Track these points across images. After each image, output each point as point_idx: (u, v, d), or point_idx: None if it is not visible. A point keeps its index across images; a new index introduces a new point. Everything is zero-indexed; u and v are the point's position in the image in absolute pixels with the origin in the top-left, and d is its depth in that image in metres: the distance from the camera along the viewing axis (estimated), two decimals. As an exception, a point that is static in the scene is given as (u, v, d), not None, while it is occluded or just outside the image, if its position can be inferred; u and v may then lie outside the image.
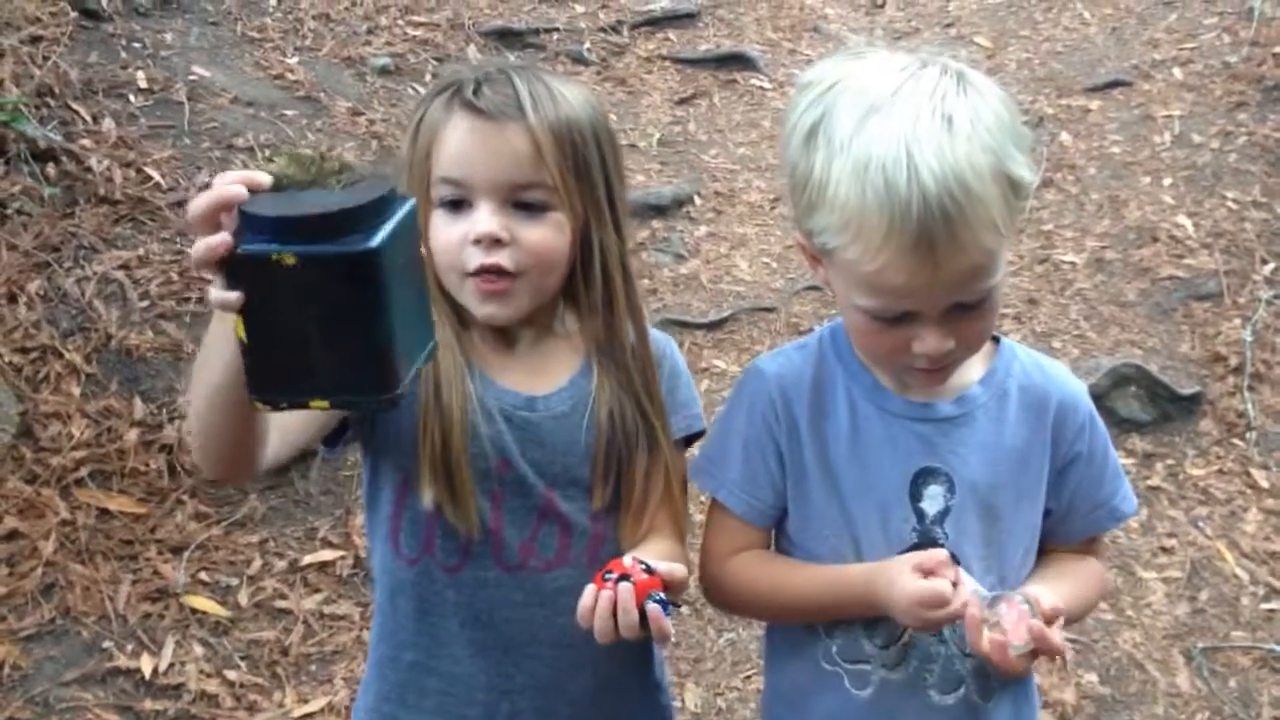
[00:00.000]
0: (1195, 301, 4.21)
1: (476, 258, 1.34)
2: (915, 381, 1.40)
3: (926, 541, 1.41)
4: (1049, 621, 1.29)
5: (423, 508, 1.39)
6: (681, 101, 5.81)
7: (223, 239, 1.02)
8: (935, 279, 1.22)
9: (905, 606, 1.33)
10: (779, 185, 5.08)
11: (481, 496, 1.41)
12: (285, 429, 1.30)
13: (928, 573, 1.31)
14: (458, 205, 1.36)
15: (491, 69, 1.39)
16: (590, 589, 1.25)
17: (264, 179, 1.07)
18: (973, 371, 1.45)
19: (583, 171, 1.38)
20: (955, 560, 1.36)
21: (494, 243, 1.33)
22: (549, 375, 1.46)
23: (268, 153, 4.31)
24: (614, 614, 1.24)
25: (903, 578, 1.32)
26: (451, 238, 1.35)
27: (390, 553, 1.46)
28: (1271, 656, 3.02)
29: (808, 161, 1.26)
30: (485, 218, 1.33)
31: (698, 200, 4.99)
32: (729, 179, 5.20)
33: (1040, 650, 1.30)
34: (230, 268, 1.03)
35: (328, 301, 1.01)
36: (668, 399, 1.48)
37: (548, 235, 1.36)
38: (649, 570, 1.27)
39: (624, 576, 1.25)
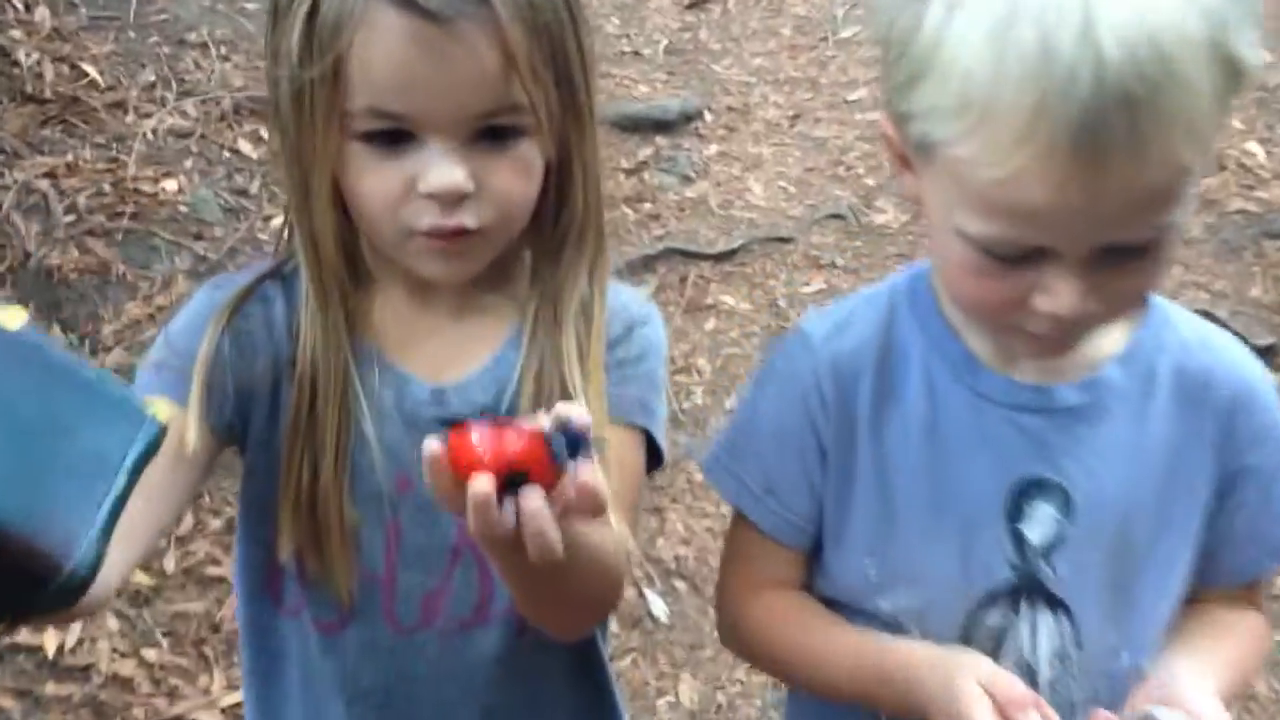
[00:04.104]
0: (1268, 239, 3.94)
1: (430, 216, 0.99)
2: (1024, 350, 1.06)
3: (1028, 583, 1.10)
4: None
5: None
6: (691, 5, 5.57)
7: None
8: (1096, 201, 0.87)
9: None
10: (799, 100, 4.83)
11: (373, 530, 1.09)
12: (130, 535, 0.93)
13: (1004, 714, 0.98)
14: (395, 136, 0.99)
15: None
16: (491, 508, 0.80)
17: None
18: (1107, 342, 1.11)
19: (562, 72, 1.02)
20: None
21: (456, 198, 0.99)
22: (469, 350, 1.12)
23: (223, 50, 3.97)
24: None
25: (968, 706, 0.98)
26: (389, 186, 0.99)
27: (267, 606, 1.17)
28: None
29: (914, 9, 0.91)
30: (443, 165, 0.98)
31: (708, 116, 4.75)
32: (743, 93, 4.94)
33: None
34: None
35: None
36: (631, 369, 1.13)
37: (519, 173, 1.03)
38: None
39: (513, 477, 0.80)
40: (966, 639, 1.12)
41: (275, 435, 1.08)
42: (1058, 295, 0.93)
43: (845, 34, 5.27)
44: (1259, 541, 1.15)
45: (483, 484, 0.77)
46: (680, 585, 2.88)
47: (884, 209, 4.19)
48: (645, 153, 4.45)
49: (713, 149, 4.58)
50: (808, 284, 3.86)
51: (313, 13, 0.96)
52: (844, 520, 1.16)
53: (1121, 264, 0.93)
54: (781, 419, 1.17)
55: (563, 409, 0.83)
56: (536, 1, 0.98)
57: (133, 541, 0.95)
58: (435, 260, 1.03)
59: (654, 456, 1.15)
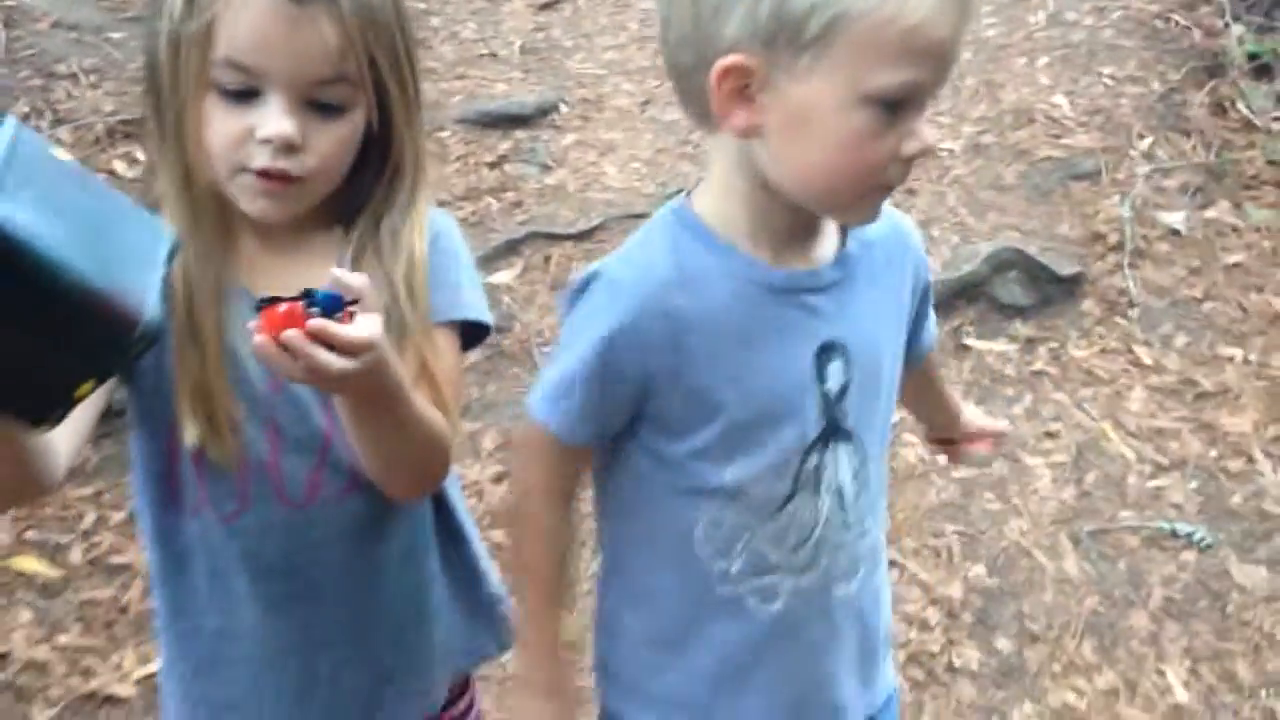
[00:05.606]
0: (1074, 181, 4.11)
1: (262, 158, 1.21)
2: (870, 212, 1.24)
3: (831, 426, 1.29)
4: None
5: (186, 448, 1.26)
6: (544, 7, 5.59)
7: None
8: (964, 31, 1.15)
9: None
10: (649, 88, 4.93)
11: (256, 427, 1.28)
12: (70, 429, 1.15)
13: None
14: (243, 95, 1.21)
15: None
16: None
17: None
18: (835, 227, 1.32)
19: (391, 59, 1.25)
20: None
21: (286, 147, 1.21)
22: (309, 279, 1.29)
23: (93, 79, 4.05)
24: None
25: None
26: (232, 131, 1.21)
27: (171, 510, 1.32)
28: (1160, 535, 2.95)
29: None
30: (278, 117, 1.20)
31: (563, 108, 4.81)
32: (596, 85, 5.01)
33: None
34: None
35: None
36: (434, 277, 1.33)
37: (342, 138, 1.24)
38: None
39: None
40: (797, 480, 1.28)
41: (163, 357, 1.23)
42: (924, 133, 1.14)
43: (691, 23, 5.37)
44: (925, 330, 1.51)
45: (257, 339, 1.04)
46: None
47: (729, 181, 4.33)
48: (505, 146, 4.47)
49: (569, 138, 4.62)
50: (662, 254, 3.98)
51: None
52: (687, 433, 1.27)
53: None
54: (605, 367, 1.23)
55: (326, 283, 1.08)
56: (374, 3, 1.21)
57: (71, 436, 1.16)
58: (259, 198, 1.23)
59: (481, 328, 1.36)
